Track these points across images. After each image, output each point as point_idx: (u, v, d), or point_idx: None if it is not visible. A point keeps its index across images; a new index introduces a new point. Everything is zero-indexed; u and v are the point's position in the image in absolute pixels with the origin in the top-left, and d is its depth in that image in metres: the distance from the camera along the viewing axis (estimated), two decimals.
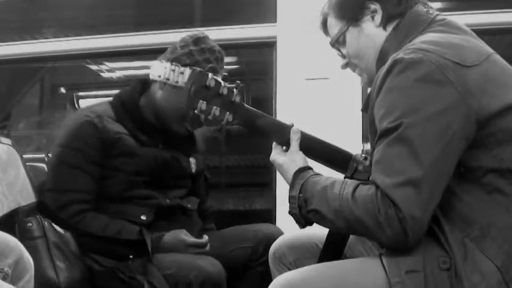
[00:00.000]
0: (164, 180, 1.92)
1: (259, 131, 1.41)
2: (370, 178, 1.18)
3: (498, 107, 1.15)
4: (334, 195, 1.19)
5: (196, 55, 1.89)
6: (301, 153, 1.35)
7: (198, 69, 1.34)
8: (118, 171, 1.85)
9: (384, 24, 1.37)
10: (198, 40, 1.92)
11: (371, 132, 1.26)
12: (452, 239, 1.13)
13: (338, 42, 1.43)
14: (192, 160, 2.01)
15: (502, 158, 1.15)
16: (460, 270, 1.10)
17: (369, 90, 1.50)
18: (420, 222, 1.10)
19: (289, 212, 1.30)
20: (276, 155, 1.38)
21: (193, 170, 2.01)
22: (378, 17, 1.37)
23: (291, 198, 1.28)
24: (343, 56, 1.45)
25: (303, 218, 1.28)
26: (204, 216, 2.08)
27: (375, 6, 1.37)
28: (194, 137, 2.08)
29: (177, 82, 1.87)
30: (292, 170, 1.32)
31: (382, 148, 1.15)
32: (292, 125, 1.40)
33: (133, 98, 1.94)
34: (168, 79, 1.88)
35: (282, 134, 1.39)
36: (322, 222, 1.25)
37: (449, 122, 1.13)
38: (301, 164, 1.33)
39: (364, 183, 1.18)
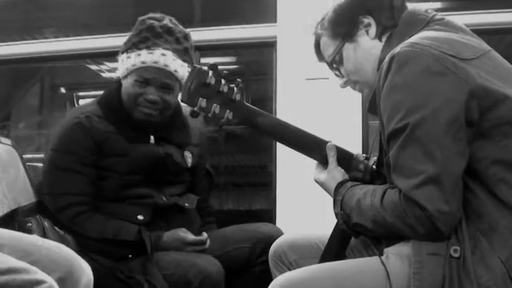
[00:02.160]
0: (160, 178, 1.91)
1: (260, 129, 1.40)
2: (392, 181, 1.19)
3: (498, 95, 1.15)
4: (367, 206, 1.22)
5: (132, 39, 1.92)
6: (339, 168, 1.38)
7: (198, 67, 1.34)
8: (111, 171, 1.85)
9: (379, 36, 1.37)
10: (138, 24, 1.94)
11: (382, 130, 1.26)
12: (465, 231, 1.14)
13: (335, 61, 1.43)
14: (187, 154, 1.99)
15: (509, 150, 1.16)
16: (467, 261, 1.12)
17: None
18: (449, 214, 1.12)
19: (341, 228, 1.33)
20: (317, 174, 1.41)
21: (189, 164, 1.99)
22: (372, 31, 1.37)
23: (336, 215, 1.32)
24: (342, 75, 1.45)
25: (352, 230, 1.31)
26: (203, 215, 2.07)
27: (368, 20, 1.37)
28: (188, 128, 2.06)
29: (123, 72, 1.92)
30: (333, 187, 1.35)
31: (396, 151, 1.17)
32: (295, 125, 1.40)
33: (117, 95, 1.94)
34: (121, 73, 1.93)
35: (289, 134, 1.40)
36: (367, 232, 1.28)
37: (455, 110, 1.13)
38: (339, 179, 1.35)
39: (391, 187, 1.20)
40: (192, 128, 2.09)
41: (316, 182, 1.42)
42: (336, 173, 1.37)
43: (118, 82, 1.97)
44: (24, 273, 1.13)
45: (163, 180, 1.92)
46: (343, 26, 1.39)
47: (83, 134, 1.84)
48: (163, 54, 1.87)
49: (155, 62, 1.86)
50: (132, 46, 1.90)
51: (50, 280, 1.16)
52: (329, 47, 1.43)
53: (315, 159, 1.43)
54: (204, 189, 2.11)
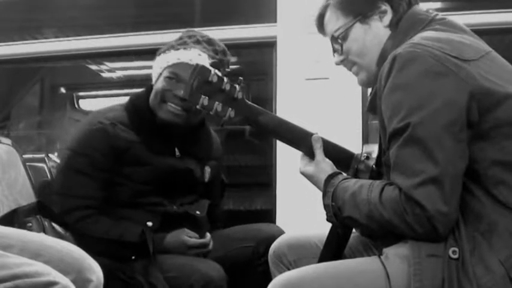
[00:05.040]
0: (173, 189, 1.89)
1: (262, 128, 1.40)
2: (391, 180, 1.18)
3: (499, 96, 1.15)
4: (363, 200, 1.21)
5: (171, 42, 1.92)
6: (327, 160, 1.37)
7: (201, 64, 1.34)
8: (127, 179, 1.83)
9: (392, 25, 1.36)
10: (181, 34, 1.96)
11: (382, 130, 1.26)
12: (463, 232, 1.14)
13: (340, 37, 1.40)
14: (206, 169, 1.97)
15: (508, 152, 1.16)
16: (466, 261, 1.11)
17: (368, 90, 1.49)
18: (448, 215, 1.12)
19: (327, 220, 1.32)
20: (304, 166, 1.40)
21: (206, 179, 1.98)
22: (387, 18, 1.36)
23: (325, 206, 1.30)
24: (340, 52, 1.42)
25: (341, 223, 1.30)
26: (215, 220, 2.06)
27: (385, 7, 1.36)
28: (212, 142, 2.05)
29: (156, 72, 1.90)
30: (322, 179, 1.33)
31: (396, 150, 1.16)
32: (298, 124, 1.40)
33: (146, 100, 1.90)
34: (155, 74, 1.92)
35: (291, 135, 1.40)
36: (358, 226, 1.29)
37: (456, 111, 1.13)
38: (329, 171, 1.34)
39: (389, 183, 1.19)
40: (214, 140, 2.08)
41: (303, 174, 1.40)
42: (324, 165, 1.36)
43: (149, 86, 1.94)
44: (35, 277, 1.11)
45: (177, 190, 1.90)
46: (359, 6, 1.37)
47: (104, 140, 1.82)
48: (199, 55, 1.86)
49: (190, 60, 1.83)
50: (170, 47, 1.90)
51: (63, 281, 1.14)
52: (337, 20, 1.40)
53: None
54: (217, 197, 2.11)
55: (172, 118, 1.85)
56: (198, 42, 1.90)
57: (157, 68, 1.90)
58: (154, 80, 1.92)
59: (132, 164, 1.83)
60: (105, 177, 1.83)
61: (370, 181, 1.25)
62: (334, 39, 1.42)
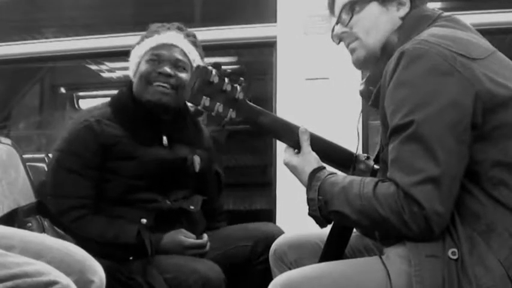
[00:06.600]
0: (166, 182, 1.89)
1: (263, 128, 1.40)
2: (388, 175, 1.17)
3: (504, 96, 1.15)
4: (355, 195, 1.19)
5: (142, 36, 1.95)
6: (313, 153, 1.35)
7: (202, 65, 1.33)
8: (117, 175, 1.83)
9: (404, 18, 1.35)
10: (149, 27, 1.99)
11: (383, 126, 1.26)
12: (461, 233, 1.13)
13: (352, 8, 1.37)
14: (196, 158, 1.96)
15: (507, 152, 1.15)
16: (466, 262, 1.11)
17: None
18: (444, 216, 1.12)
19: (309, 214, 1.29)
20: (289, 157, 1.38)
21: (197, 169, 1.97)
22: (403, 11, 1.35)
23: (309, 200, 1.27)
24: (346, 23, 1.39)
25: (325, 218, 1.27)
26: (213, 215, 2.06)
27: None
28: (200, 128, 2.05)
29: (135, 63, 1.93)
30: (307, 171, 1.31)
31: (397, 146, 1.15)
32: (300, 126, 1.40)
33: (129, 94, 1.92)
34: (133, 67, 1.94)
35: (290, 134, 1.38)
36: (345, 221, 1.24)
37: (460, 112, 1.13)
38: (315, 165, 1.32)
39: (382, 180, 1.18)
40: (202, 130, 2.08)
41: (287, 165, 1.38)
42: (310, 158, 1.34)
43: (129, 82, 1.95)
44: (36, 276, 1.11)
45: (168, 184, 1.89)
46: None
47: (91, 137, 1.82)
48: (175, 36, 1.90)
49: (168, 40, 1.89)
50: (143, 38, 1.93)
51: (64, 280, 1.13)
52: None
53: None
54: (213, 190, 2.10)
55: (161, 97, 1.86)
56: (168, 29, 1.94)
57: (135, 59, 1.93)
58: (132, 73, 1.93)
59: (120, 158, 1.83)
60: (96, 174, 1.83)
61: (360, 177, 1.24)
62: (346, 7, 1.39)
